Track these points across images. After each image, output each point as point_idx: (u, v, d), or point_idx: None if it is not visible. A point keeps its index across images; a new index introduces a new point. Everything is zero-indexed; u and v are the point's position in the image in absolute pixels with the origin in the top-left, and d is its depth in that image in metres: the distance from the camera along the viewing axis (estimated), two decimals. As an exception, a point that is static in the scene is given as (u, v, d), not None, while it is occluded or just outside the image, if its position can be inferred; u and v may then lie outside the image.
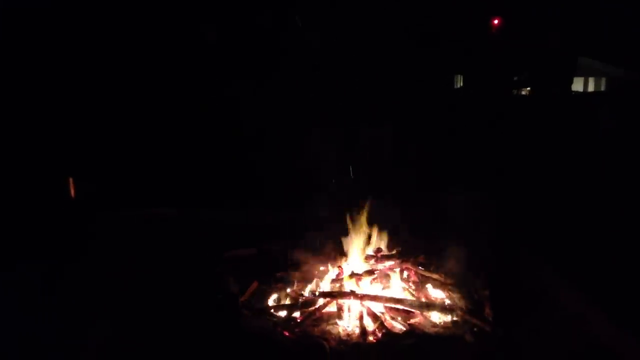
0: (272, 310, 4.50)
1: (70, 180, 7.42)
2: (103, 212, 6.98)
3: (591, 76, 26.06)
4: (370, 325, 4.20)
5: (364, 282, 4.73)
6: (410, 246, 5.37)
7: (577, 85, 24.50)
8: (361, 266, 4.98)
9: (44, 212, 6.74)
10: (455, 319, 4.37)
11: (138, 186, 7.78)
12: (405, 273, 5.07)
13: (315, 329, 4.22)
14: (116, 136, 8.33)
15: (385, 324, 4.22)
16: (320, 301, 4.51)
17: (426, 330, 4.23)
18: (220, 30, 8.62)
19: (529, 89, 15.06)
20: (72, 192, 7.38)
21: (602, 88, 25.87)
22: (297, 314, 4.43)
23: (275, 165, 6.57)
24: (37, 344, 3.91)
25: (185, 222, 6.67)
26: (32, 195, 7.01)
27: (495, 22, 14.60)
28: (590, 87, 26.39)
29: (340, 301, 4.47)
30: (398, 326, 4.29)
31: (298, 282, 4.92)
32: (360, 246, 5.13)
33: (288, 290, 4.81)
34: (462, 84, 21.03)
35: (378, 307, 4.44)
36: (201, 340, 3.96)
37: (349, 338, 4.10)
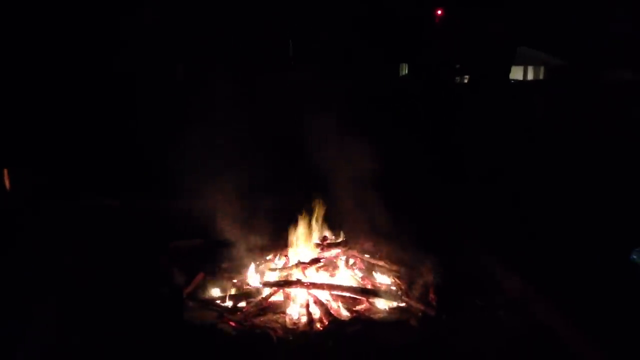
0: (218, 301, 4.45)
1: (5, 171, 7.11)
2: (44, 203, 6.72)
3: (530, 65, 26.89)
4: (316, 313, 4.22)
5: (310, 270, 4.74)
6: (356, 234, 5.40)
7: (517, 73, 25.22)
8: (307, 255, 4.98)
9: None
10: (400, 304, 4.44)
11: (80, 177, 7.55)
12: (352, 260, 5.11)
13: (262, 319, 4.21)
14: (52, 127, 8.08)
15: (332, 311, 4.25)
16: (267, 290, 4.50)
17: (372, 316, 4.28)
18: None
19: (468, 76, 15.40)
20: (7, 183, 7.07)
21: (541, 76, 26.74)
22: (243, 304, 4.40)
23: (218, 156, 6.47)
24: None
25: (128, 213, 6.50)
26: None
27: (439, 12, 14.88)
28: (530, 76, 27.23)
29: (287, 290, 4.48)
30: (345, 313, 4.32)
31: (244, 272, 4.88)
32: (306, 235, 5.13)
33: (234, 280, 4.77)
34: (406, 72, 21.36)
35: (324, 295, 4.46)
36: (145, 334, 3.87)
37: (295, 326, 4.11)
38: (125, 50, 8.79)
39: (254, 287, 4.65)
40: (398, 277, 4.82)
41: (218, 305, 4.39)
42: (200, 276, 4.74)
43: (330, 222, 5.36)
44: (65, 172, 7.57)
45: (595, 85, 14.52)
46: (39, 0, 8.51)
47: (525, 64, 26.17)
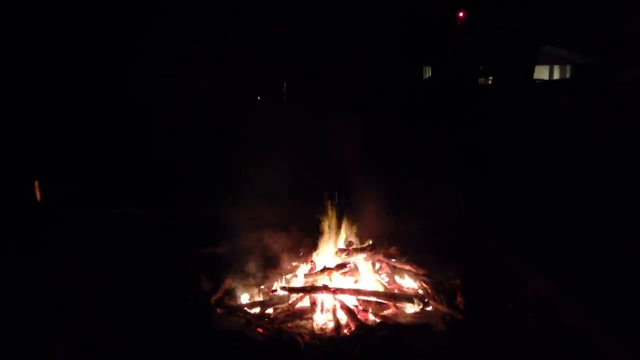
0: (245, 308, 4.47)
1: (36, 183, 7.27)
2: (72, 213, 6.85)
3: (556, 64, 26.51)
4: (343, 319, 4.21)
5: (336, 275, 4.73)
6: (382, 238, 5.38)
7: (543, 73, 24.88)
8: (333, 260, 4.97)
9: (11, 214, 6.61)
10: (427, 308, 4.41)
11: (107, 187, 7.68)
12: (378, 265, 5.09)
13: (289, 325, 4.21)
14: (78, 138, 8.24)
15: (359, 316, 4.23)
16: (293, 296, 4.50)
17: (399, 320, 4.25)
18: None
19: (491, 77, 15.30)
20: (38, 194, 7.23)
21: (568, 75, 26.33)
22: (270, 311, 4.41)
23: (246, 162, 6.51)
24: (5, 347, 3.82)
25: (155, 221, 6.57)
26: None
27: (461, 14, 14.81)
28: (556, 75, 26.84)
29: (313, 296, 4.47)
30: (371, 318, 4.31)
31: (271, 278, 4.90)
32: (332, 240, 5.13)
33: (261, 287, 4.78)
34: (430, 74, 21.27)
35: (351, 300, 4.45)
36: (174, 340, 3.91)
37: (323, 332, 4.11)
38: (151, 66, 8.94)
39: (280, 294, 4.65)
40: (425, 281, 4.78)
41: (245, 312, 4.40)
42: (226, 283, 4.77)
43: (355, 226, 5.34)
44: (91, 182, 7.71)
45: (614, 83, 14.30)
46: (72, 21, 8.71)
47: (551, 63, 25.82)
